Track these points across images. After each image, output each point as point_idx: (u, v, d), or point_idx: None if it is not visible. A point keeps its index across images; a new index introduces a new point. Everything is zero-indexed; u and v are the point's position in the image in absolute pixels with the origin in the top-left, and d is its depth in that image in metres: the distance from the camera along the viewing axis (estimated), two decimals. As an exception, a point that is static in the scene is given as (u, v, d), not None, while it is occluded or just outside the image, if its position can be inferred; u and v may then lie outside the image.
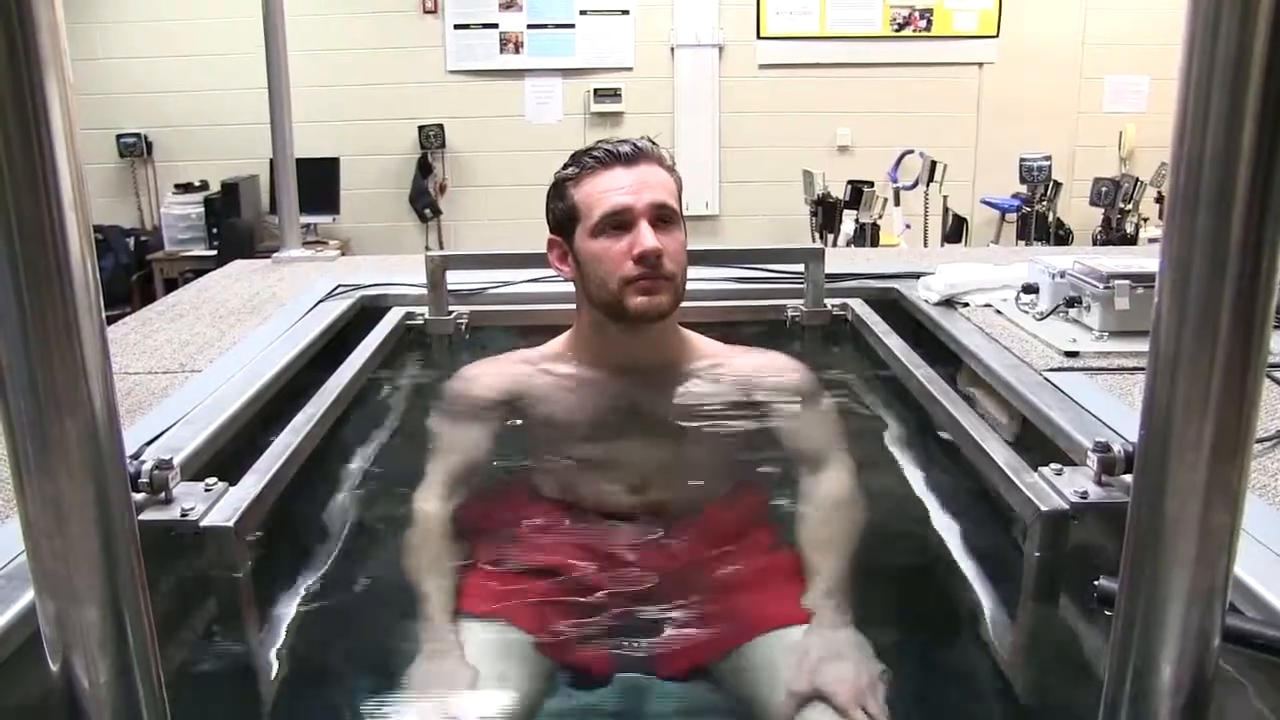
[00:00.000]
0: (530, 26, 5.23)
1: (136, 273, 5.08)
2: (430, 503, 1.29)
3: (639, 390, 1.40)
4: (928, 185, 4.72)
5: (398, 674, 1.05)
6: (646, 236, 1.28)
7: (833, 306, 2.05)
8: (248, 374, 1.58)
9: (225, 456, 1.33)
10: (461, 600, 1.16)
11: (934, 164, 4.65)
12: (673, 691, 1.12)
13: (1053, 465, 1.16)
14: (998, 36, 5.24)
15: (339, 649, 1.19)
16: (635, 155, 1.32)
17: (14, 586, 0.89)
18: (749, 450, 1.42)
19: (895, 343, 1.81)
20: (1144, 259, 1.76)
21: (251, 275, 2.46)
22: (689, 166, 4.46)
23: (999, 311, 1.89)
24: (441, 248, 5.27)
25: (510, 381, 1.44)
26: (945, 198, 4.84)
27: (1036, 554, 1.12)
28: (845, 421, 1.50)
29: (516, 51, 5.25)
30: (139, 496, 1.07)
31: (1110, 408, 1.34)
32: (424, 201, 5.32)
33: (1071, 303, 1.73)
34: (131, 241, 5.13)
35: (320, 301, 2.09)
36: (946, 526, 1.39)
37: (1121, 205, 4.60)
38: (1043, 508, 1.10)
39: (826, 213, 4.60)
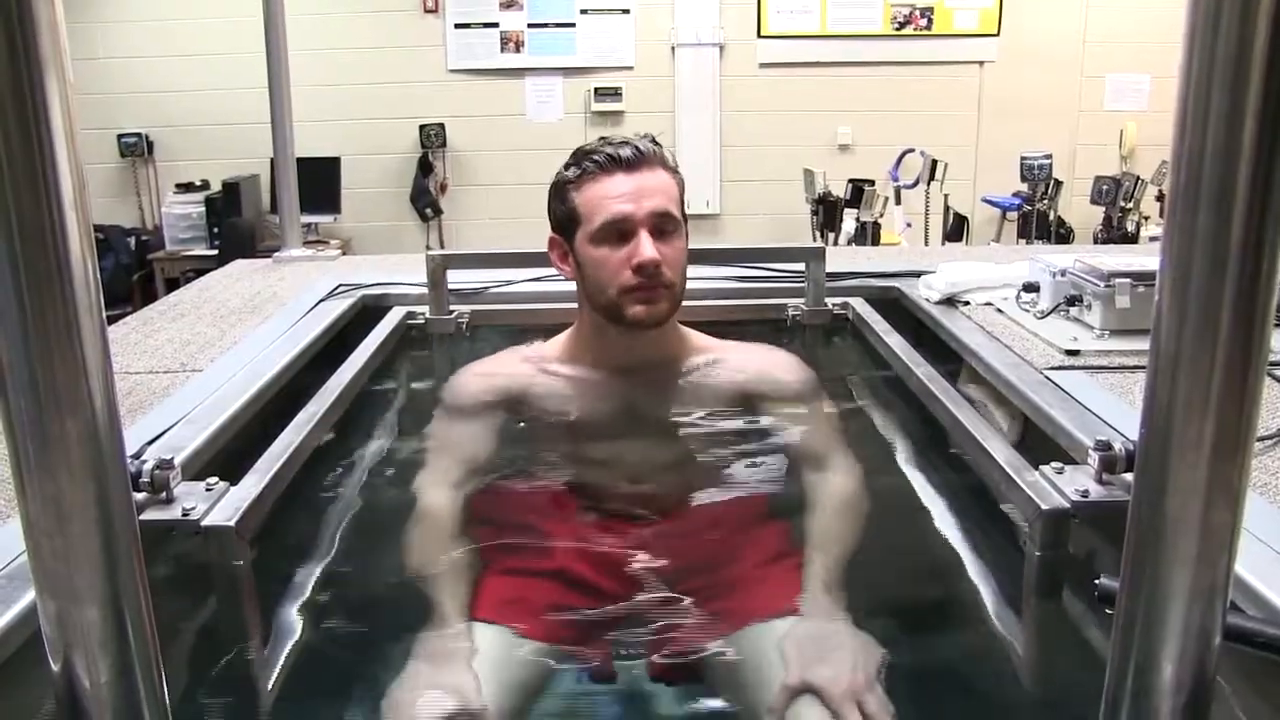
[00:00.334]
0: (531, 26, 5.23)
1: (137, 272, 5.09)
2: (430, 502, 1.29)
3: (640, 389, 1.40)
4: (929, 184, 4.72)
5: (400, 673, 1.05)
6: (646, 247, 1.28)
7: (833, 305, 2.05)
8: (249, 373, 1.58)
9: (226, 456, 1.33)
10: (466, 597, 1.16)
11: (935, 163, 4.64)
12: (673, 690, 1.12)
13: (1053, 464, 1.16)
14: (998, 35, 5.24)
15: (340, 648, 1.19)
16: (637, 160, 1.32)
17: (15, 586, 0.89)
18: (750, 447, 1.42)
19: (896, 341, 1.81)
20: (1145, 257, 1.76)
21: (252, 275, 2.46)
22: (690, 166, 4.46)
23: (1000, 310, 1.89)
24: (442, 247, 5.27)
25: (511, 380, 1.44)
26: (946, 196, 4.83)
27: (1037, 553, 1.11)
28: (846, 420, 1.50)
29: (517, 50, 5.25)
30: (140, 496, 1.07)
31: (1111, 406, 1.34)
32: (425, 201, 5.32)
33: (1072, 301, 1.73)
34: (132, 241, 5.14)
35: (321, 301, 2.09)
36: (947, 525, 1.39)
37: (1122, 203, 4.60)
38: (1043, 506, 1.10)
39: (827, 211, 4.60)
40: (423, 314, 2.04)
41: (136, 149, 5.19)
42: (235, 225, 4.68)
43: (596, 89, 5.26)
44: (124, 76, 5.09)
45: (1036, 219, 4.61)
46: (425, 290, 2.02)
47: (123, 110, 5.12)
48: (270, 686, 1.11)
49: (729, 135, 5.32)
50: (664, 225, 1.31)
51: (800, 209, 4.93)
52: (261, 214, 4.90)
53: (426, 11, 5.18)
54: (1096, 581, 0.83)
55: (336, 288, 2.18)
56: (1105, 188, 4.60)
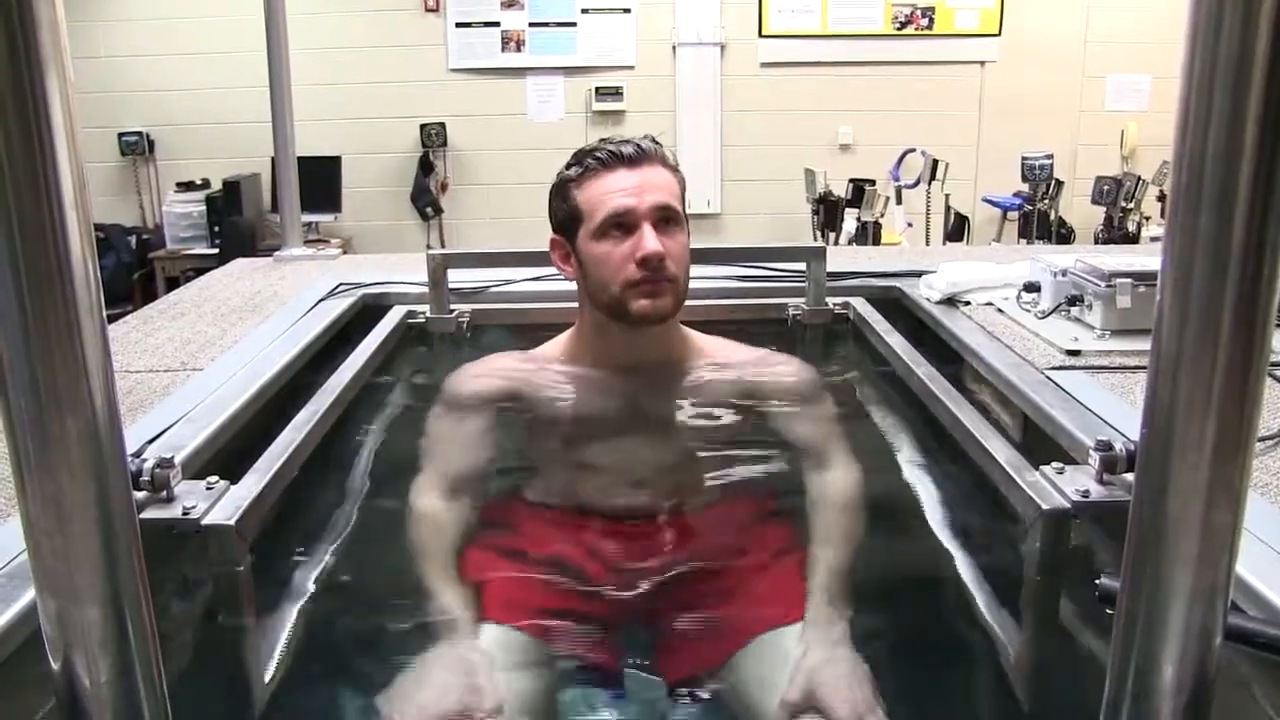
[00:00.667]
0: (532, 25, 5.23)
1: (138, 271, 5.09)
2: (430, 501, 1.29)
3: (641, 389, 1.40)
4: (929, 184, 4.71)
5: (400, 672, 1.04)
6: (649, 240, 1.28)
7: (834, 305, 2.05)
8: (249, 372, 1.58)
9: (227, 455, 1.33)
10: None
11: (936, 162, 4.64)
12: (677, 696, 1.11)
13: (1054, 464, 1.16)
14: (999, 35, 5.23)
15: (340, 648, 1.19)
16: (638, 156, 1.32)
17: (15, 585, 0.89)
18: (751, 448, 1.42)
19: (897, 341, 1.81)
20: (1146, 257, 1.76)
21: (253, 274, 2.46)
22: (690, 165, 4.45)
23: (1001, 310, 1.89)
24: (443, 246, 5.27)
25: (512, 380, 1.43)
26: (947, 196, 4.83)
27: (1038, 552, 1.11)
28: (847, 420, 1.50)
29: (518, 50, 5.25)
30: (140, 495, 1.07)
31: (1112, 406, 1.34)
32: (425, 200, 5.32)
33: (1073, 301, 1.73)
34: (133, 240, 5.13)
35: (321, 300, 2.09)
36: (948, 525, 1.39)
37: (1123, 204, 4.60)
38: (1044, 506, 1.10)
39: (828, 211, 4.60)
40: (423, 313, 2.04)
41: (137, 148, 5.19)
42: (236, 224, 4.68)
43: (597, 88, 5.26)
44: (125, 75, 5.09)
45: (1037, 219, 4.61)
46: (426, 289, 2.02)
47: (124, 109, 5.12)
48: (270, 686, 1.11)
49: (730, 135, 5.32)
50: (667, 217, 1.31)
51: (801, 209, 4.93)
52: (262, 213, 4.90)
53: (427, 10, 5.18)
54: (1097, 582, 0.83)
55: (337, 287, 2.18)
56: (1106, 188, 4.60)
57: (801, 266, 2.04)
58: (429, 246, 5.19)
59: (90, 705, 0.56)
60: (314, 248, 2.92)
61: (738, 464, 1.43)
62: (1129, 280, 1.63)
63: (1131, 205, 4.61)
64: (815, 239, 4.66)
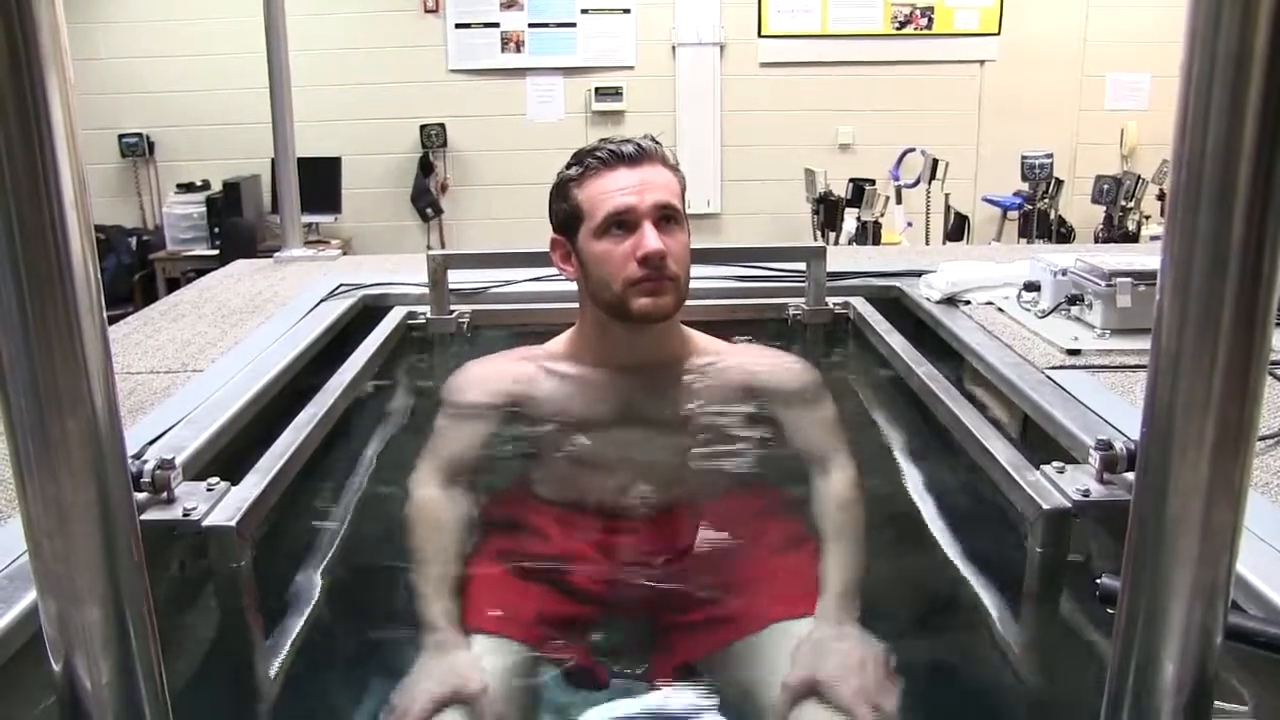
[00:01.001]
0: (531, 25, 5.23)
1: (138, 272, 5.09)
2: (428, 501, 1.29)
3: (642, 389, 1.40)
4: (929, 183, 4.71)
5: (401, 671, 1.05)
6: (650, 238, 1.28)
7: (834, 305, 2.05)
8: (250, 373, 1.58)
9: (227, 456, 1.33)
10: (463, 603, 1.16)
11: (935, 162, 4.64)
12: (678, 695, 1.11)
13: (1054, 463, 1.16)
14: (999, 34, 5.23)
15: (340, 648, 1.19)
16: (639, 155, 1.32)
17: (16, 586, 0.90)
18: (752, 448, 1.42)
19: (897, 341, 1.81)
20: (1146, 256, 1.76)
21: (253, 275, 2.46)
22: (690, 165, 4.44)
23: (1001, 309, 1.89)
24: (443, 247, 5.28)
25: (513, 380, 1.43)
26: (947, 196, 4.83)
27: (1038, 552, 1.11)
28: (847, 420, 1.50)
29: (518, 50, 5.25)
30: (141, 496, 1.07)
31: (1112, 405, 1.34)
32: (425, 201, 5.32)
33: (1073, 300, 1.73)
34: (133, 241, 5.14)
35: (322, 301, 2.09)
36: (948, 524, 1.39)
37: (1123, 203, 4.60)
38: (1044, 505, 1.10)
39: (828, 211, 4.59)
40: (423, 314, 2.04)
41: (137, 149, 5.19)
42: (236, 225, 4.68)
43: (597, 89, 5.26)
44: (125, 76, 5.10)
45: (1037, 218, 4.61)
46: (426, 290, 2.02)
47: (124, 110, 5.12)
48: (271, 686, 1.11)
49: (730, 135, 5.32)
50: (667, 216, 1.31)
51: (801, 208, 4.93)
52: (262, 214, 4.91)
53: (427, 11, 5.18)
54: (1098, 581, 0.83)
55: (337, 288, 2.18)
56: (1106, 187, 4.59)
57: (801, 266, 2.04)
58: (429, 247, 5.20)
59: (91, 706, 0.56)
60: (314, 249, 2.92)
61: (738, 463, 1.43)
62: (1129, 279, 1.63)
63: (1131, 204, 4.61)
64: (815, 239, 4.66)
